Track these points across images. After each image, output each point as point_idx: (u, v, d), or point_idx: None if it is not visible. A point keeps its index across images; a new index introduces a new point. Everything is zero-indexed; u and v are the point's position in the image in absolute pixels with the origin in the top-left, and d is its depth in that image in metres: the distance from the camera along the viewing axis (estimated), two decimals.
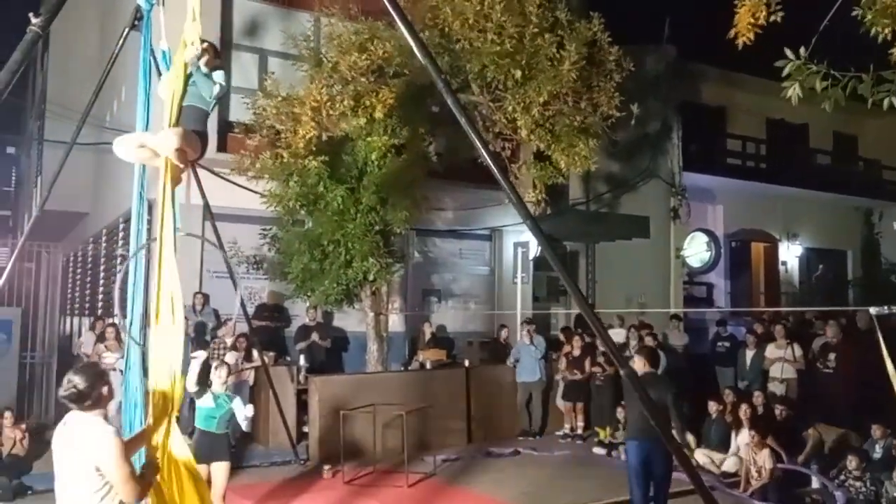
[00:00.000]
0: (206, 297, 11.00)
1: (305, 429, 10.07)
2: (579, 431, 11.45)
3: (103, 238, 15.27)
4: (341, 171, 10.34)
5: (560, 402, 11.78)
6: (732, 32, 5.30)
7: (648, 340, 11.55)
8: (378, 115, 9.78)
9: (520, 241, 13.80)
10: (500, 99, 10.50)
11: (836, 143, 21.49)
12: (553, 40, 10.14)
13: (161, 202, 4.56)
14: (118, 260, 13.50)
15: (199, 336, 10.47)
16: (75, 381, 3.49)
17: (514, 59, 10.08)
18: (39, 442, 9.74)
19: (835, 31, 5.15)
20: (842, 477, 8.15)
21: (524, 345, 11.78)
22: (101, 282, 14.94)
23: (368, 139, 10.20)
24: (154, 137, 4.78)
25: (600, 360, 11.40)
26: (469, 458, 9.96)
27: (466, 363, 11.82)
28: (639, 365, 6.88)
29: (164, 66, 5.73)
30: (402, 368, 12.35)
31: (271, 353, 10.87)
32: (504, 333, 12.71)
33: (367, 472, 8.97)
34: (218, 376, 6.68)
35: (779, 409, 9.44)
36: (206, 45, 5.05)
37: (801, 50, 5.02)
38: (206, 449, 6.37)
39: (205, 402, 6.53)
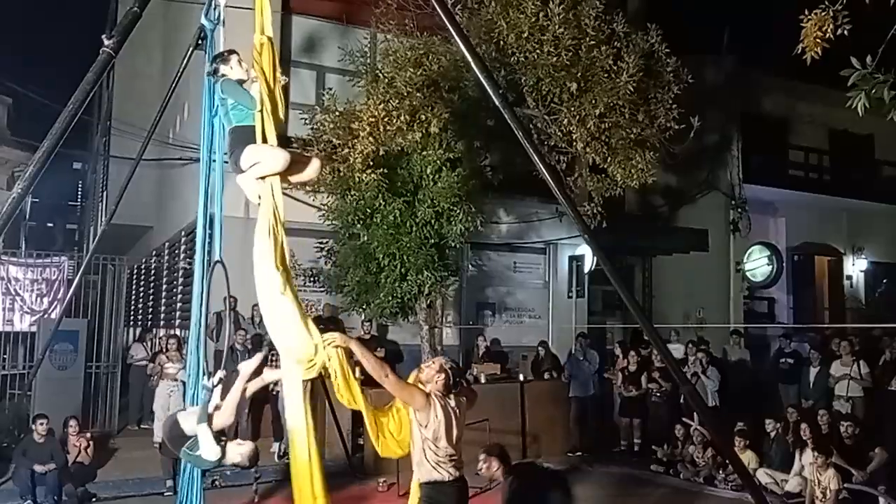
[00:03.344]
0: None
1: (361, 441, 10.11)
2: (636, 448, 11.26)
3: (166, 251, 15.69)
4: (397, 185, 10.41)
5: (617, 418, 11.63)
6: (799, 48, 5.15)
7: (702, 356, 11.36)
8: (433, 129, 9.82)
9: (575, 255, 13.67)
10: (556, 112, 10.44)
11: None
12: (610, 52, 10.05)
13: (273, 221, 4.62)
14: (180, 273, 13.84)
15: (255, 348, 10.61)
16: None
17: (569, 71, 10.03)
18: (103, 450, 10.00)
19: None
20: None
21: (578, 359, 11.64)
22: (164, 294, 15.33)
23: (424, 153, 10.24)
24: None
25: (656, 375, 11.21)
26: None
27: (521, 377, 11.75)
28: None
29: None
30: None
31: None
32: (541, 351, 12.55)
33: None
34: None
35: (844, 426, 9.14)
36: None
37: (868, 58, 4.87)
38: None
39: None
